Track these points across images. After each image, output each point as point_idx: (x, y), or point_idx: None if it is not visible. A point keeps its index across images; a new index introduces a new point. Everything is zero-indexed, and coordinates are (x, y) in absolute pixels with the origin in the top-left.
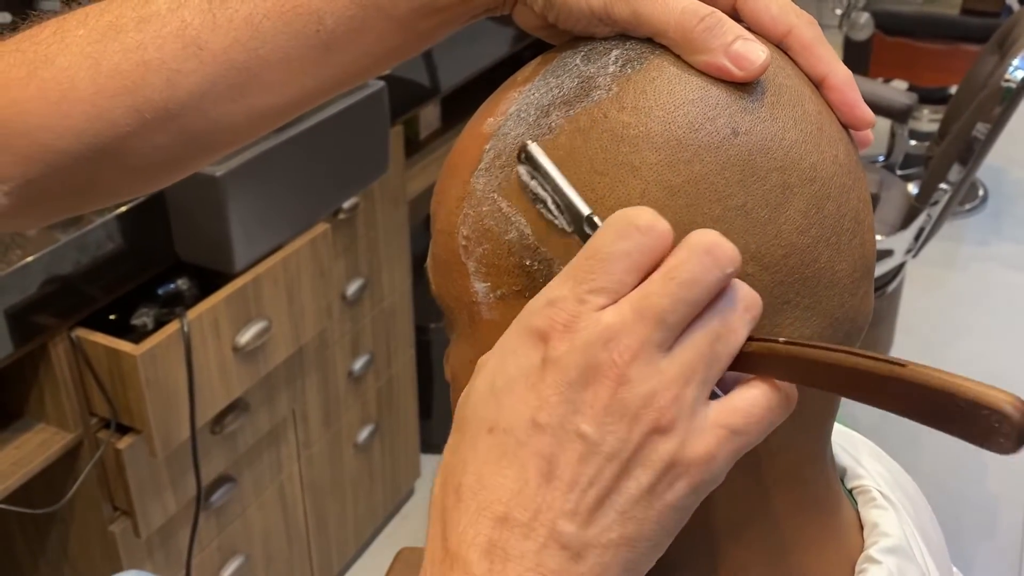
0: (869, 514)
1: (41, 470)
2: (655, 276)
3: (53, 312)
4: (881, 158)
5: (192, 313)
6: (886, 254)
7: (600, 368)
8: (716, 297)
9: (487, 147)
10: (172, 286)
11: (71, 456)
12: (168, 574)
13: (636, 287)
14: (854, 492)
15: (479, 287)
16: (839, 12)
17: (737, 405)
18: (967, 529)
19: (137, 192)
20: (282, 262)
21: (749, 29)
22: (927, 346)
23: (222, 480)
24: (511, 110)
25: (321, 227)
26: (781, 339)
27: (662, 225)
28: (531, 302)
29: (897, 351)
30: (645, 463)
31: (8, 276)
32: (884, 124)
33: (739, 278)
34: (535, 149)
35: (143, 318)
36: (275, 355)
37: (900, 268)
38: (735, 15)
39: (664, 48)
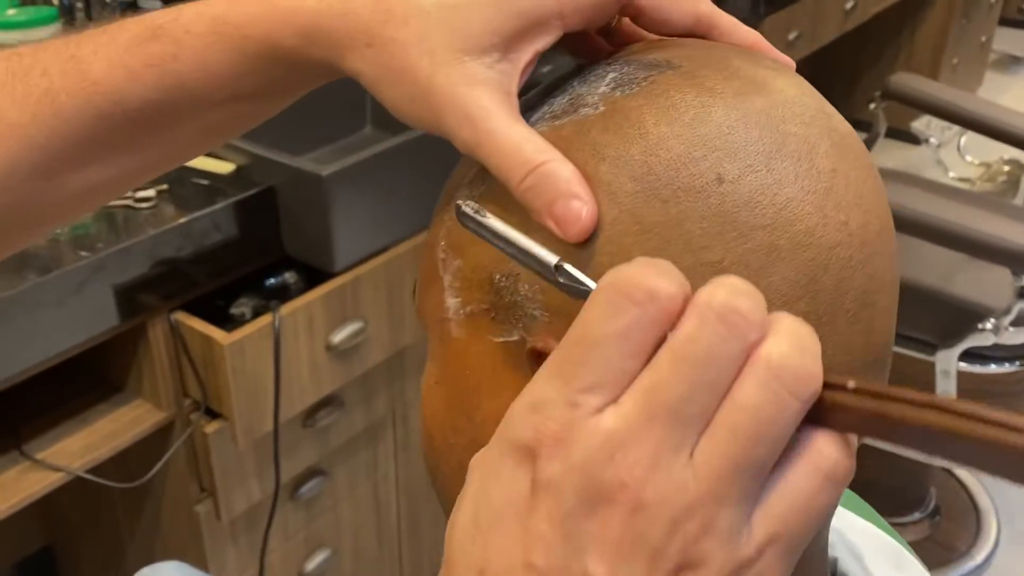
0: None
1: (136, 444)
2: (661, 356)
3: (157, 293)
4: None
5: (286, 308)
6: None
7: (606, 491)
8: (744, 371)
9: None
10: (279, 279)
11: (164, 434)
12: (251, 560)
13: (639, 374)
14: None
15: (451, 302)
16: None
17: (780, 511)
18: None
19: None
20: (384, 265)
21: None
22: None
23: (313, 473)
24: None
25: None
26: (851, 384)
27: (666, 289)
28: (512, 406)
29: None
30: None
31: (116, 253)
32: None
33: None
34: (469, 209)
35: (242, 308)
36: (370, 356)
37: None
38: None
39: (669, 68)
